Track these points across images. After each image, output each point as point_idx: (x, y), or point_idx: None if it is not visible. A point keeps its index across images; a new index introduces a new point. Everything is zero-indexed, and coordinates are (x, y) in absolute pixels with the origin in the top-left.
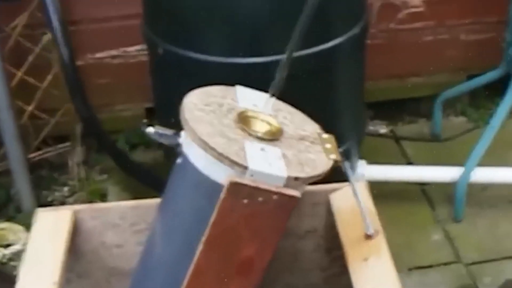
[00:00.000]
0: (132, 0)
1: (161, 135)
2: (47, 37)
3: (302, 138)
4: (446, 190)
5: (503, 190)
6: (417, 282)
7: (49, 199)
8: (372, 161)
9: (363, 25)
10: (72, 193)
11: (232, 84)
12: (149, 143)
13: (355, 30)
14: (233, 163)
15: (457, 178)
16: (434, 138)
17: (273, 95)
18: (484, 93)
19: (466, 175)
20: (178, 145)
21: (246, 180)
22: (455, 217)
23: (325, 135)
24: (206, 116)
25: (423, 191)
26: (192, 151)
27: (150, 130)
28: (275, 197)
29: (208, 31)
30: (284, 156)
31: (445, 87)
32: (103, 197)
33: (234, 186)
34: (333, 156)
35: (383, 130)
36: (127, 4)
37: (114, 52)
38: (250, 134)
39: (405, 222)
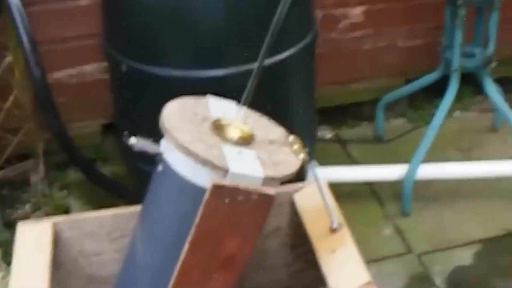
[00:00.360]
0: (87, 21)
1: (143, 145)
2: (8, 59)
3: (272, 141)
4: (392, 187)
5: (446, 184)
6: (375, 273)
7: (13, 217)
8: (320, 164)
9: (313, 35)
10: (34, 209)
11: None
12: (106, 158)
13: (307, 40)
14: (215, 167)
15: (404, 175)
16: (377, 139)
17: (244, 103)
18: (422, 95)
19: (411, 172)
20: (158, 154)
21: (227, 182)
22: (403, 212)
23: (291, 138)
24: (184, 125)
25: (371, 190)
26: (174, 158)
27: (133, 141)
28: (254, 196)
29: (171, 46)
30: (259, 158)
31: (385, 91)
32: (66, 212)
33: (217, 188)
34: (301, 156)
35: (328, 134)
36: (83, 25)
37: (71, 72)
38: (226, 140)
39: (357, 220)
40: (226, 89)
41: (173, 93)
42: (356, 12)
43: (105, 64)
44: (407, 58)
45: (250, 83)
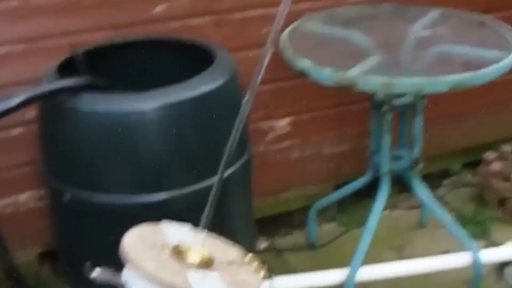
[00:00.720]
0: (20, 150)
1: (106, 276)
2: None
3: (231, 262)
4: None
5: (385, 283)
6: None
7: None
8: None
9: (250, 153)
10: None
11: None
12: (44, 286)
13: (244, 158)
14: None
15: (344, 279)
16: (311, 246)
17: (203, 227)
18: (350, 198)
19: (352, 275)
20: (121, 284)
21: None
22: None
23: (248, 256)
24: (146, 254)
25: None
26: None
27: (97, 272)
28: None
29: (112, 173)
30: (223, 280)
31: (314, 198)
32: None
33: None
34: (262, 274)
35: (263, 244)
36: (16, 154)
37: (5, 201)
38: (188, 265)
39: None
40: (170, 212)
41: (118, 219)
42: (283, 124)
43: (41, 191)
44: (335, 164)
45: (208, 208)
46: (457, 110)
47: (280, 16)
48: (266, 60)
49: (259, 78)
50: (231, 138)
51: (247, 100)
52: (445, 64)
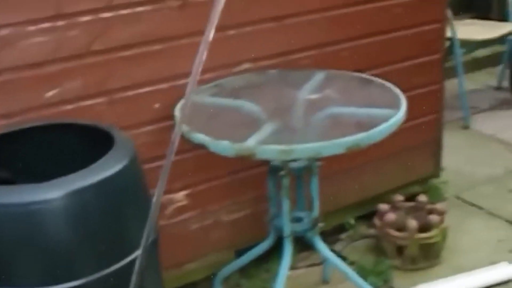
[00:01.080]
0: None
1: None
2: None
3: None
4: None
5: None
6: None
7: None
8: None
9: (157, 230)
10: None
11: None
12: None
13: (153, 236)
14: None
15: None
16: None
17: None
18: (251, 262)
19: None
20: None
21: None
22: None
23: None
24: None
25: None
26: None
27: None
28: None
29: (20, 266)
30: None
31: (217, 266)
32: None
33: None
34: None
35: None
36: None
37: None
38: None
39: None
40: None
41: None
42: (180, 197)
43: None
44: (234, 230)
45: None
46: (347, 165)
47: (190, 89)
48: (177, 138)
49: (172, 158)
50: (148, 223)
51: (160, 183)
52: (338, 126)
